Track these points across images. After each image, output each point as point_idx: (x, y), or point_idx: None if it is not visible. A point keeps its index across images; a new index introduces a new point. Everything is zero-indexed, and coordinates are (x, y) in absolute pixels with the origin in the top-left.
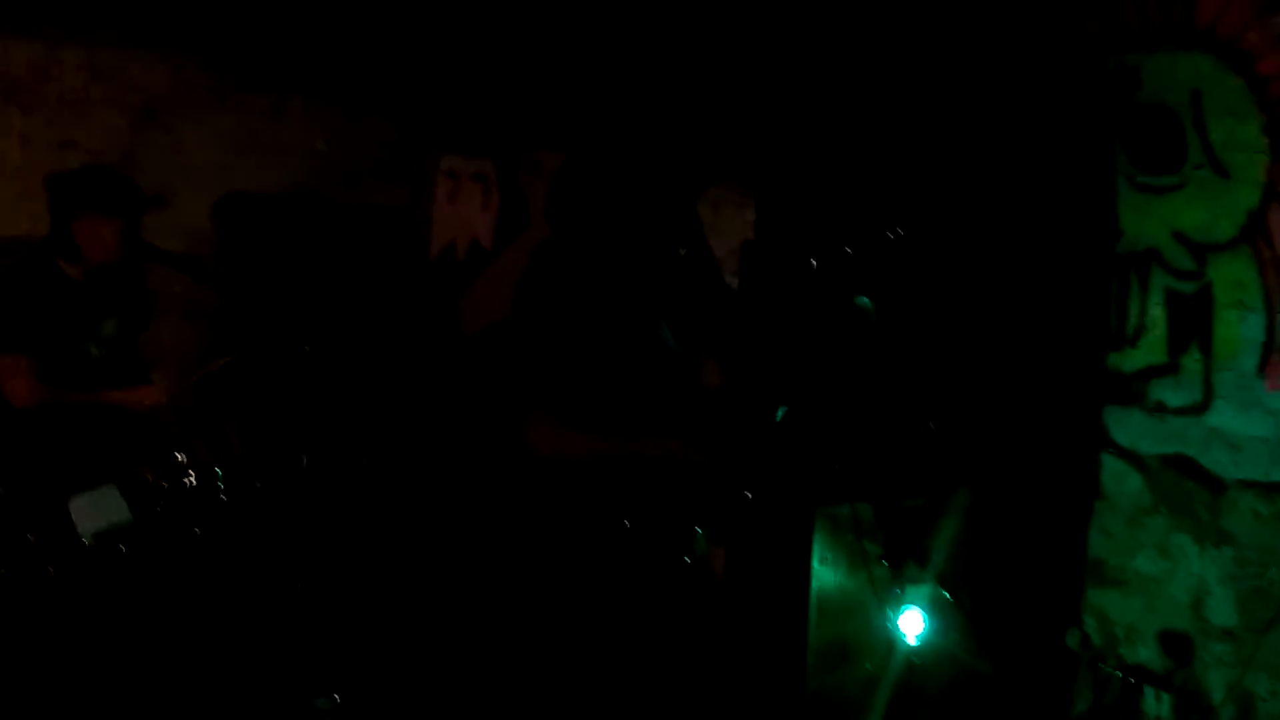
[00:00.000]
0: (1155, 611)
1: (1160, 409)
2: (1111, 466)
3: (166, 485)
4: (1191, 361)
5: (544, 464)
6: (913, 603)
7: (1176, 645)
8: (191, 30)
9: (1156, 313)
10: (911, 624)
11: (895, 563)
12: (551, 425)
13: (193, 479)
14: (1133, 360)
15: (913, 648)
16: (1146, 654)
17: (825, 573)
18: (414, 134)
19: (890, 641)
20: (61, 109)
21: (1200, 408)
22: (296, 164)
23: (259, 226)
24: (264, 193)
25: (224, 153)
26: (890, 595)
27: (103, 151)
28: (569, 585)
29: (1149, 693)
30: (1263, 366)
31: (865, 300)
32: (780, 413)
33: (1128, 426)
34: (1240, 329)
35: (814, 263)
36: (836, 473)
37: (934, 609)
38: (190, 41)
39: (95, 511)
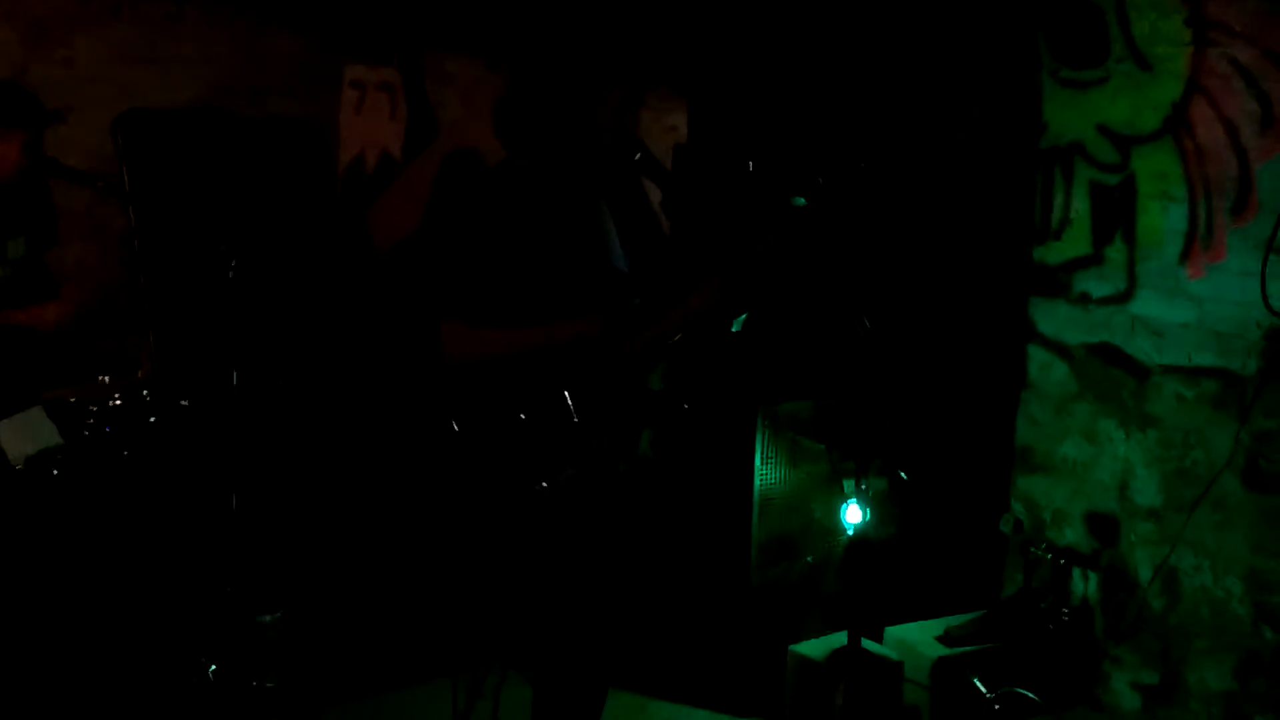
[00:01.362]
0: (1082, 495)
1: (1085, 299)
2: (1038, 357)
3: (93, 407)
4: (1115, 252)
5: (463, 369)
6: (852, 495)
7: (1103, 526)
8: None
9: (1081, 205)
10: (851, 516)
11: (835, 457)
12: (465, 328)
13: (118, 399)
14: (1057, 252)
15: (854, 538)
16: (1074, 536)
17: (767, 470)
18: (317, 43)
19: (831, 534)
20: None
21: (1124, 297)
22: (198, 77)
23: (162, 143)
24: (166, 108)
25: (122, 67)
26: (831, 489)
27: None
28: (495, 488)
29: (1076, 573)
30: (1185, 255)
31: (800, 200)
32: (739, 322)
33: (1053, 317)
34: (1163, 219)
35: (750, 165)
36: (777, 372)
37: (873, 500)
38: None
39: (24, 436)
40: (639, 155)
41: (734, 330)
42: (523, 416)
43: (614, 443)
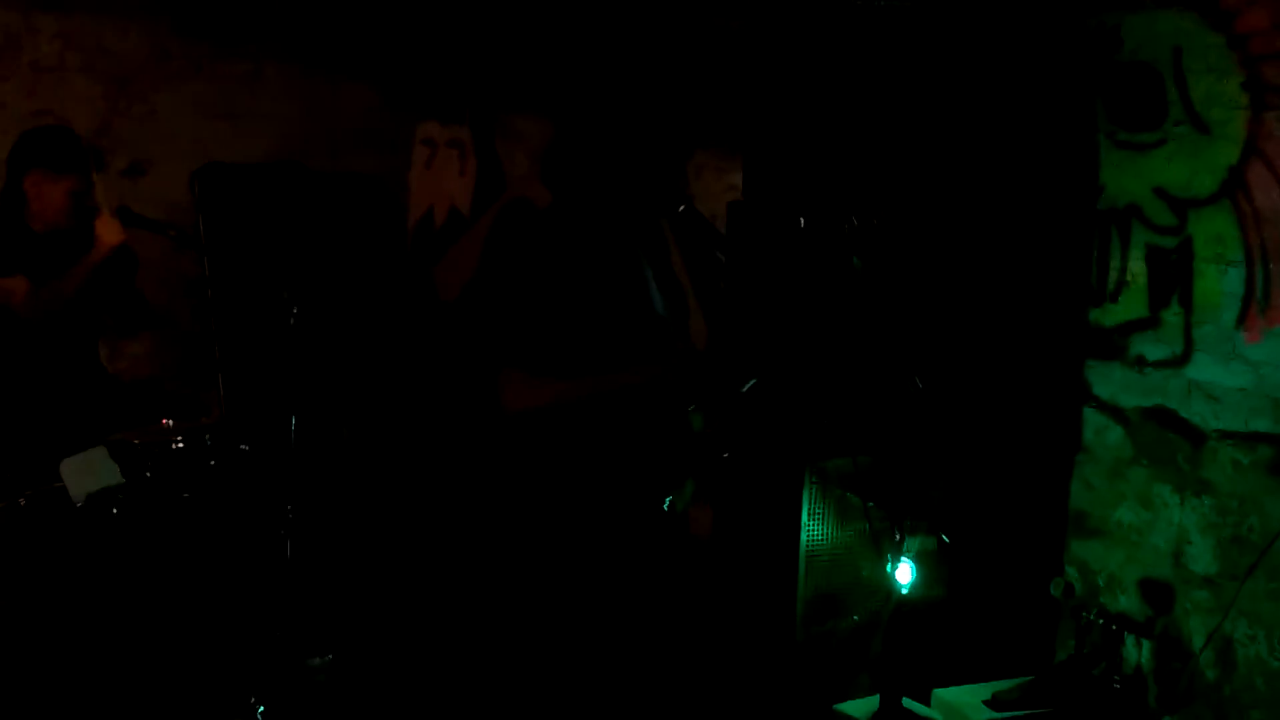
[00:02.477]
0: (1136, 561)
1: (1141, 362)
2: (1093, 420)
3: (155, 449)
4: (1172, 315)
5: (519, 420)
6: (902, 554)
7: (1157, 593)
8: None
9: (1137, 268)
10: (900, 575)
11: (885, 516)
12: (523, 378)
13: (180, 443)
14: (1114, 315)
15: (901, 597)
16: (1128, 602)
17: (814, 526)
18: (390, 101)
19: (878, 592)
20: (36, 77)
21: (1180, 360)
22: (274, 132)
23: (237, 196)
24: (242, 162)
25: (201, 122)
26: (880, 547)
27: (78, 120)
28: (549, 544)
29: (1130, 640)
30: (1242, 319)
31: (853, 259)
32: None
33: (1109, 380)
34: (1220, 283)
35: (801, 222)
36: (826, 428)
37: (921, 560)
38: (164, 8)
39: (86, 474)
40: (683, 208)
41: (742, 391)
42: (578, 467)
43: (665, 492)
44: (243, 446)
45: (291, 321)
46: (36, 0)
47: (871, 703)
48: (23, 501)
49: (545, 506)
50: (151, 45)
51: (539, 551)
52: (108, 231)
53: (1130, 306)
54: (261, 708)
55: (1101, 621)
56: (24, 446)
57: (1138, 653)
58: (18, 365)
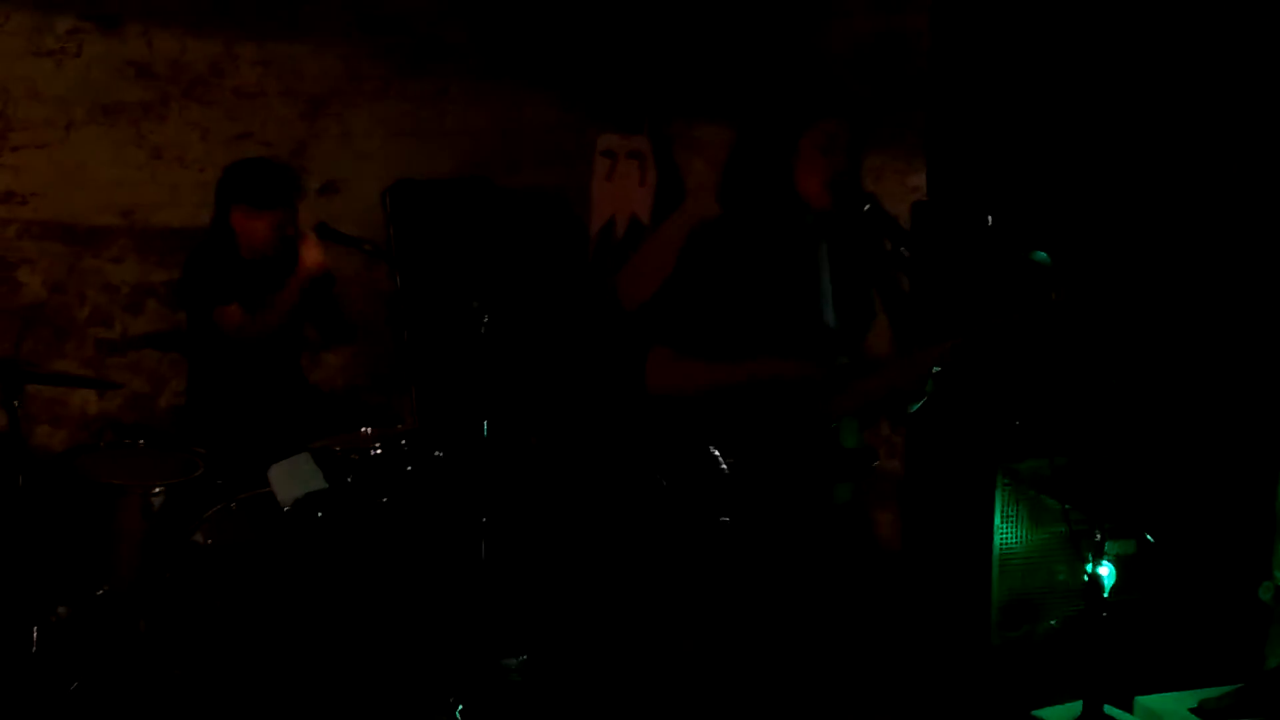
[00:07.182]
0: None
1: None
2: None
3: (355, 456)
4: None
5: (664, 404)
6: (1100, 557)
7: None
8: (356, 20)
9: None
10: (1096, 578)
11: (1084, 518)
12: (671, 355)
13: (378, 449)
14: None
15: (1101, 601)
16: None
17: (1007, 529)
18: (571, 115)
19: (1075, 596)
20: (238, 102)
21: None
22: (460, 148)
23: (426, 210)
24: (430, 177)
25: (391, 140)
26: (1079, 550)
27: (276, 142)
28: (727, 544)
29: None
30: None
31: (1043, 255)
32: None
33: None
34: None
35: (989, 219)
36: (1017, 429)
37: (1121, 563)
38: (357, 31)
39: (292, 479)
40: (868, 207)
41: (911, 411)
42: (718, 457)
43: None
44: (437, 453)
45: (481, 331)
46: (239, 29)
47: (1072, 709)
48: (234, 506)
49: (689, 498)
50: (345, 68)
51: (716, 551)
52: (310, 254)
53: None
54: (460, 706)
55: None
56: (235, 455)
57: None
58: (229, 378)
